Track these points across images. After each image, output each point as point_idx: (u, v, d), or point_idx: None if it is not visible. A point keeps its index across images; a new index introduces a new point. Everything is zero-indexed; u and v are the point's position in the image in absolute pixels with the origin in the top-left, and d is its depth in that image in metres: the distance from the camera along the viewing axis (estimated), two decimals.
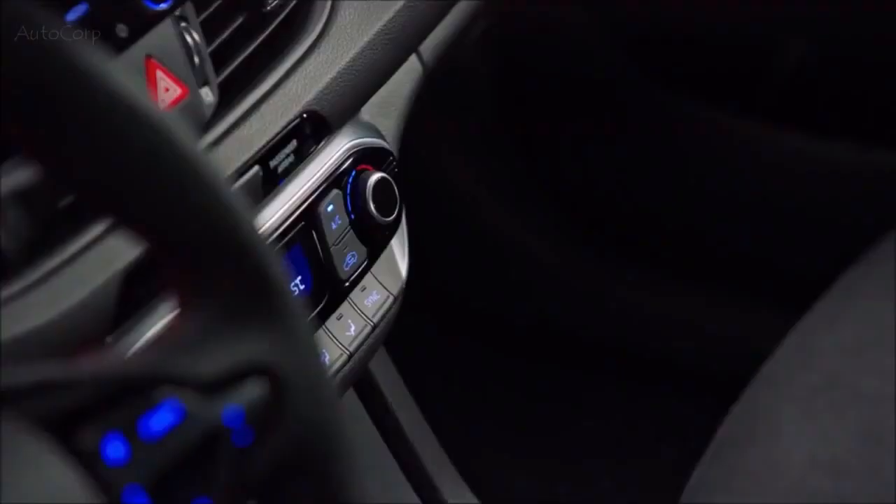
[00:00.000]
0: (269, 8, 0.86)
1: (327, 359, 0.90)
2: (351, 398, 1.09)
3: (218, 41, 0.82)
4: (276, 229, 0.85)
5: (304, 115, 0.86)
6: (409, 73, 0.99)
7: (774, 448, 1.26)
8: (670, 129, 1.71)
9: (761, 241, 1.72)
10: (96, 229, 0.74)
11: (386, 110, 0.98)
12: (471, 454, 1.19)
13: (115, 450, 0.53)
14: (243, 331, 0.58)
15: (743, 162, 1.70)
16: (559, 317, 1.79)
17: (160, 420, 0.54)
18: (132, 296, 0.74)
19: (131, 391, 0.55)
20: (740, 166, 1.70)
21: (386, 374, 1.11)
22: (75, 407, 0.53)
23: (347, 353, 0.91)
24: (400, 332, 1.15)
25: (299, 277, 0.87)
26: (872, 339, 1.33)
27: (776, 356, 1.33)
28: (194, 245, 0.57)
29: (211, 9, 0.82)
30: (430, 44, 1.00)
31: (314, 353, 0.60)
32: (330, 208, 0.89)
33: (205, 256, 0.57)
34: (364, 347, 0.93)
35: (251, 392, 0.57)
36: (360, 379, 1.08)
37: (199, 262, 0.58)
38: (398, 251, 0.97)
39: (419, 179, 1.24)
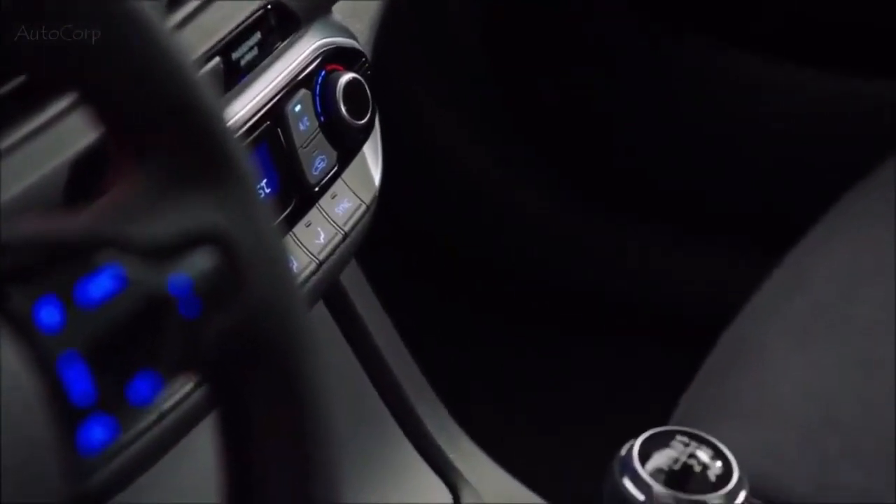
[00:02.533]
0: None
1: (295, 266, 0.86)
2: (325, 320, 1.05)
3: None
4: (240, 127, 0.81)
5: (269, 6, 0.82)
6: None
7: (763, 377, 1.23)
8: (659, 67, 1.67)
9: (754, 183, 1.68)
10: (46, 114, 0.69)
11: (358, 13, 0.94)
12: (449, 378, 1.16)
13: (50, 315, 0.49)
14: (191, 195, 0.54)
15: (735, 100, 1.67)
16: (539, 261, 1.75)
17: (99, 286, 0.50)
18: (82, 186, 0.70)
19: (69, 255, 0.51)
20: (732, 104, 1.67)
21: (361, 294, 1.07)
22: (6, 269, 0.49)
23: (317, 261, 0.87)
24: (378, 266, 1.12)
25: (265, 180, 0.83)
26: (866, 266, 1.31)
27: (767, 285, 1.30)
28: (137, 102, 0.53)
29: None
30: None
31: (268, 222, 0.56)
32: (298, 108, 0.85)
33: (149, 114, 0.53)
34: (335, 257, 0.89)
35: (200, 261, 0.53)
36: (333, 297, 1.04)
37: (143, 120, 0.53)
38: (371, 158, 0.93)
39: (399, 125, 1.22)
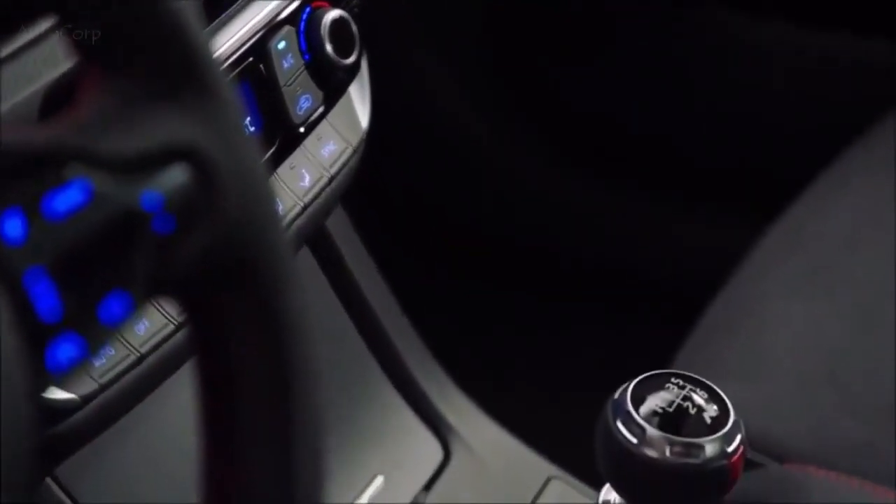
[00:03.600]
0: None
1: (281, 209, 0.83)
2: (311, 269, 1.03)
3: None
4: (222, 63, 0.78)
5: None
6: None
7: (762, 331, 1.21)
8: (657, 32, 1.65)
9: (753, 145, 1.66)
10: (19, 41, 0.67)
11: None
12: (439, 334, 1.13)
13: (14, 227, 0.47)
14: (166, 110, 0.51)
15: (734, 61, 1.64)
16: (527, 223, 1.73)
17: (66, 199, 0.48)
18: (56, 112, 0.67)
19: (35, 168, 0.48)
20: (732, 66, 1.64)
21: (348, 242, 1.04)
22: None
23: (302, 204, 0.85)
24: (365, 216, 1.10)
25: (248, 118, 0.81)
26: (866, 222, 1.29)
27: (766, 241, 1.28)
28: (108, 10, 0.51)
29: None
30: None
31: (247, 139, 0.54)
32: (282, 45, 0.83)
33: (120, 24, 0.51)
34: (320, 200, 0.87)
35: (175, 177, 0.51)
36: (319, 244, 1.01)
37: (115, 31, 0.51)
38: (358, 100, 0.91)
39: (395, 87, 1.20)
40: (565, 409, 1.27)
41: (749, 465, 1.12)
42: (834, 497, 1.04)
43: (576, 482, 1.03)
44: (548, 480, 1.03)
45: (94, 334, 0.49)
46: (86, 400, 0.77)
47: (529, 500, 1.02)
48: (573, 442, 1.06)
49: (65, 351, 0.48)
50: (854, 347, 1.18)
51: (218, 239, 0.52)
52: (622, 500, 0.82)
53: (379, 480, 1.01)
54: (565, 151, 1.71)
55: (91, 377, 0.77)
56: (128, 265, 0.50)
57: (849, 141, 1.37)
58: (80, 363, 0.48)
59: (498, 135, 1.71)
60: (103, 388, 0.78)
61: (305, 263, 1.03)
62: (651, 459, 0.77)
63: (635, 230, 1.71)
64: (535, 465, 1.05)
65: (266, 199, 0.54)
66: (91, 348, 0.49)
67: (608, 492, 0.83)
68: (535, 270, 1.68)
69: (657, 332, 1.22)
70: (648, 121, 1.69)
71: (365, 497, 0.99)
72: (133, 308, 0.50)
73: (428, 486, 1.03)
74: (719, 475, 0.77)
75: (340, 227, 1.03)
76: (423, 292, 1.25)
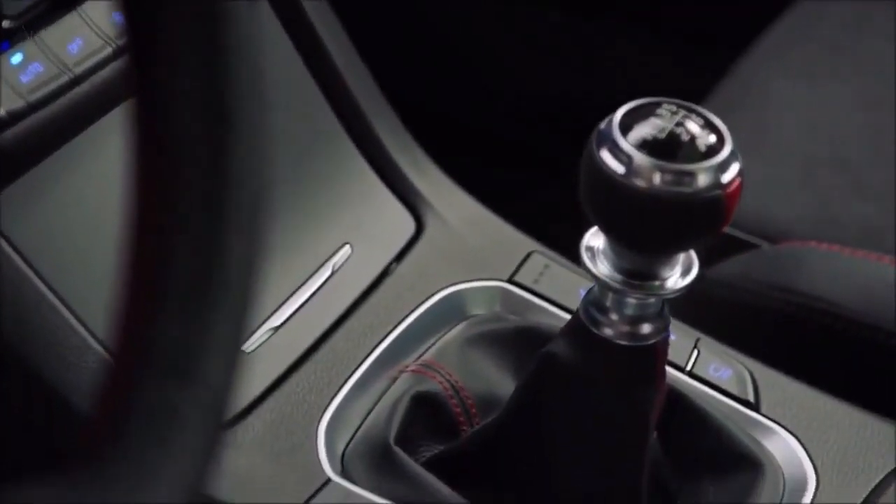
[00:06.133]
0: None
1: None
2: (275, 30, 0.95)
3: None
4: None
5: None
6: None
7: (766, 114, 1.15)
8: None
9: None
10: None
11: None
12: (413, 109, 1.06)
13: None
14: None
15: None
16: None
17: None
18: None
19: None
20: None
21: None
22: None
23: None
24: None
25: None
26: (874, 6, 1.23)
27: (775, 28, 1.21)
28: None
29: None
30: None
31: None
32: None
33: None
34: None
35: None
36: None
37: None
38: None
39: None
40: (547, 194, 1.20)
41: (743, 245, 1.06)
42: (833, 266, 0.98)
43: (559, 257, 0.96)
44: (528, 255, 0.95)
45: None
46: (14, 117, 0.72)
47: (507, 276, 0.94)
48: (556, 220, 0.98)
49: None
50: (862, 132, 1.12)
51: None
52: (606, 244, 0.74)
53: (346, 249, 0.93)
54: None
55: (19, 94, 0.71)
56: None
57: None
58: None
59: None
60: (32, 106, 0.73)
61: (268, 23, 0.95)
62: (638, 190, 0.69)
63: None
64: (514, 240, 0.97)
65: None
66: None
67: (592, 236, 0.75)
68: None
69: None
70: None
71: (330, 265, 0.92)
72: None
73: (399, 257, 0.95)
74: (712, 207, 0.69)
75: None
76: (396, 61, 1.17)
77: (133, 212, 0.50)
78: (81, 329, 0.77)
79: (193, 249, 0.49)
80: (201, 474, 0.44)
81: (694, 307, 0.92)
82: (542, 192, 1.33)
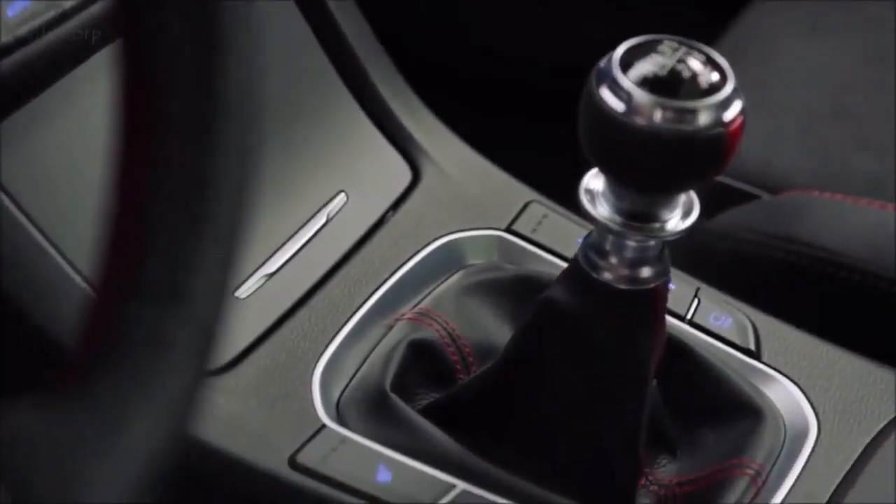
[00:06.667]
0: None
1: None
2: None
3: None
4: None
5: None
6: None
7: (768, 68, 1.14)
8: None
9: None
10: None
11: None
12: (412, 61, 1.04)
13: None
14: None
15: None
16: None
17: None
18: None
19: None
20: None
21: None
22: None
23: None
24: None
25: None
26: None
27: None
28: None
29: None
30: None
31: None
32: None
33: None
34: None
35: None
36: None
37: None
38: None
39: None
40: (546, 143, 1.18)
41: (743, 196, 1.05)
42: (834, 215, 0.97)
43: (557, 206, 0.94)
44: (527, 204, 0.94)
45: None
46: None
47: (505, 225, 0.93)
48: (555, 169, 0.97)
49: None
50: (866, 85, 1.11)
51: None
52: (606, 186, 0.73)
53: (341, 197, 0.92)
54: None
55: (5, 28, 0.70)
56: None
57: None
58: None
59: None
60: (20, 41, 0.71)
61: None
62: (638, 128, 0.68)
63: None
64: (512, 189, 0.96)
65: None
66: None
67: (592, 178, 0.74)
68: None
69: None
70: None
71: (325, 213, 0.91)
72: None
73: (395, 206, 0.94)
74: (714, 145, 0.68)
75: None
76: (391, 8, 1.16)
77: (120, 140, 0.49)
78: (69, 268, 0.76)
79: (181, 174, 0.48)
80: (190, 397, 0.43)
81: (694, 258, 0.91)
82: (541, 142, 1.32)
